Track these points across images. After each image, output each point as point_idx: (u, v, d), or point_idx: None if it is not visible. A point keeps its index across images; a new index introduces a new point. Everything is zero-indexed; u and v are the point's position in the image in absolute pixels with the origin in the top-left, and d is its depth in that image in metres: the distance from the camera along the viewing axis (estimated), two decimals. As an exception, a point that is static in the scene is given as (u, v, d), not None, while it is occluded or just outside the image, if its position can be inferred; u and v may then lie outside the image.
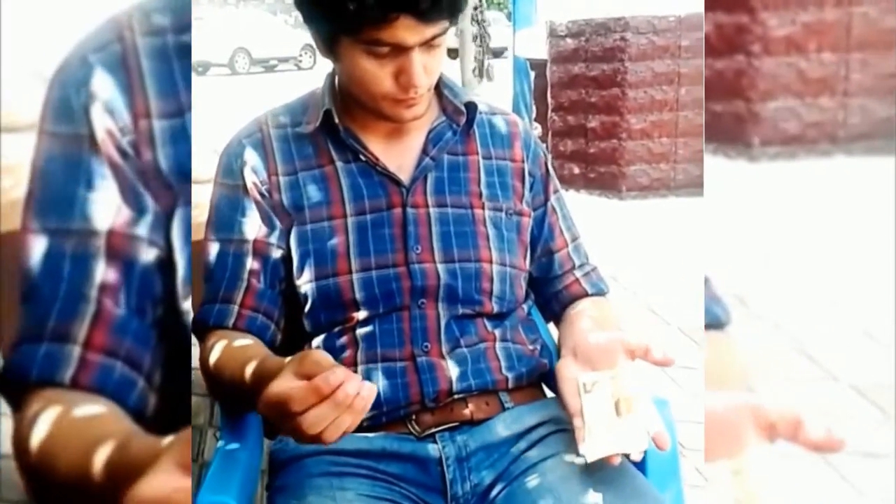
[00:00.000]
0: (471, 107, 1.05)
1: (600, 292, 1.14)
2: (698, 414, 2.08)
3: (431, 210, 1.01)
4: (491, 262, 1.02)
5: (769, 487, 0.61)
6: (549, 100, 4.95)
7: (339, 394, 0.65)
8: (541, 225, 1.11)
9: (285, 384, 0.68)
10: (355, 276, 0.97)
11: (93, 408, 0.66)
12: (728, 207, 3.54)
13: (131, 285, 0.73)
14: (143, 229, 0.73)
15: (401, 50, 0.90)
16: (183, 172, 0.75)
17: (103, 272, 0.71)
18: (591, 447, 0.84)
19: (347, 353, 0.98)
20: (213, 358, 0.90)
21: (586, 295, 1.13)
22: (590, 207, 4.39)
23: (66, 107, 0.71)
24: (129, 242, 0.72)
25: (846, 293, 2.84)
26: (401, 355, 0.97)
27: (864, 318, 2.62)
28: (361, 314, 0.98)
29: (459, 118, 1.05)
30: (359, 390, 0.65)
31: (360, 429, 0.93)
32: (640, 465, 0.95)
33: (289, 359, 0.72)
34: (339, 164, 1.02)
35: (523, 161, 1.09)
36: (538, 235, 1.11)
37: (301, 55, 18.64)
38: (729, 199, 3.70)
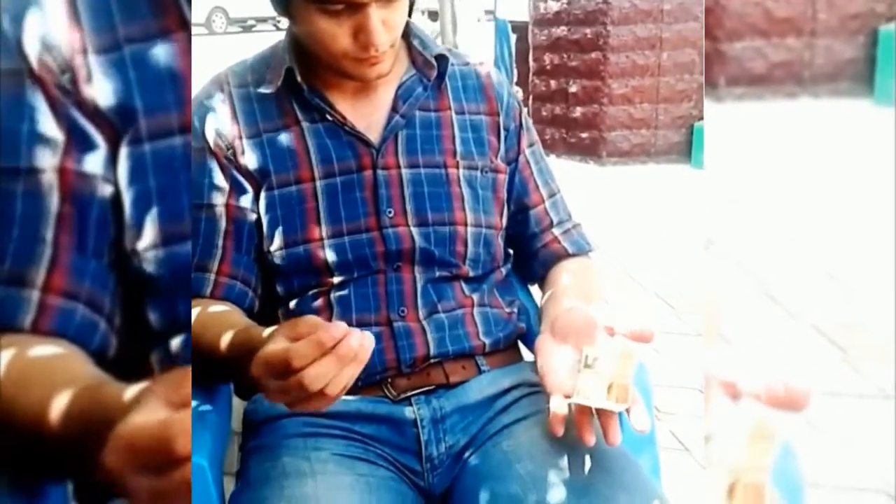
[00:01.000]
0: (441, 59, 1.01)
1: (582, 251, 1.10)
2: (674, 378, 2.10)
3: (403, 171, 0.98)
4: (466, 224, 0.99)
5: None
6: (531, 63, 4.91)
7: (343, 347, 0.63)
8: (514, 179, 1.07)
9: (282, 345, 0.65)
10: (327, 243, 0.95)
11: (53, 349, 0.64)
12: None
13: (88, 225, 0.70)
14: (94, 166, 0.70)
15: (356, 6, 0.85)
16: (125, 109, 0.71)
17: (57, 211, 0.68)
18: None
19: (322, 318, 0.95)
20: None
21: (567, 254, 1.09)
22: (570, 173, 4.38)
23: (2, 41, 0.68)
24: (82, 180, 0.70)
25: (808, 234, 2.87)
26: (376, 320, 0.95)
27: (826, 258, 2.65)
28: (335, 279, 0.96)
29: (430, 72, 1.01)
30: (361, 342, 0.64)
31: None
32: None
33: (269, 329, 0.70)
34: (304, 124, 0.97)
35: (497, 114, 1.05)
36: (511, 190, 1.07)
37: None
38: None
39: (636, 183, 4.29)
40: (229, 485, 0.90)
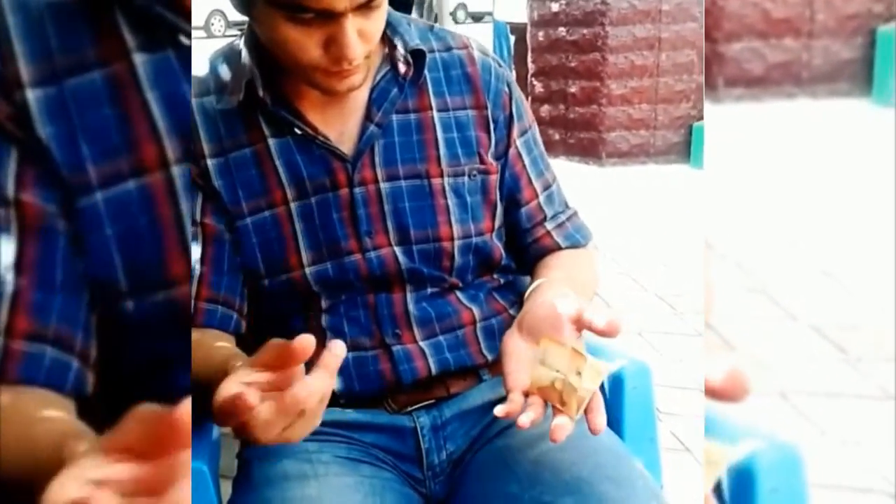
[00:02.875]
0: (418, 56, 0.90)
1: (575, 244, 1.02)
2: (675, 379, 2.10)
3: (382, 185, 0.89)
4: (452, 238, 0.92)
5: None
6: (530, 64, 4.91)
7: (291, 400, 0.59)
8: (504, 176, 0.97)
9: (234, 387, 0.60)
10: (308, 271, 0.88)
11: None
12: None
13: (53, 258, 0.65)
14: (53, 205, 0.66)
15: (330, 15, 0.75)
16: (74, 159, 0.66)
17: (18, 248, 0.63)
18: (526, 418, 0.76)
19: (315, 346, 0.92)
20: None
21: (559, 248, 1.01)
22: (569, 174, 4.38)
23: None
24: (41, 213, 0.65)
25: (806, 234, 2.86)
26: (371, 343, 0.91)
27: (825, 258, 2.64)
28: (323, 303, 0.91)
29: (406, 71, 0.90)
30: (322, 394, 0.61)
31: (332, 402, 0.91)
32: (617, 429, 0.94)
33: (239, 363, 0.66)
34: (271, 140, 0.88)
35: (486, 106, 0.94)
36: (503, 188, 0.97)
37: (278, 18, 18.28)
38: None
39: (635, 183, 4.28)
40: (226, 487, 0.90)
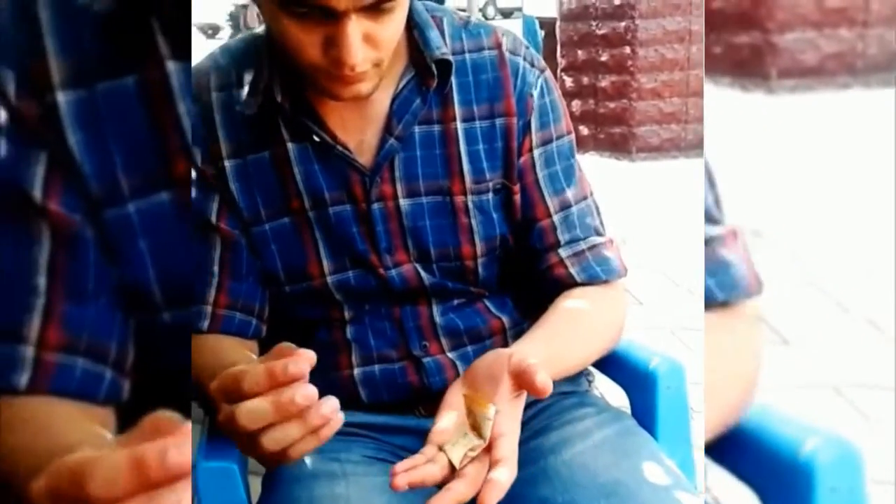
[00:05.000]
0: (443, 67, 0.83)
1: (592, 279, 0.88)
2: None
3: (402, 202, 0.84)
4: (476, 256, 0.87)
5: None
6: (559, 59, 4.87)
7: (312, 416, 0.56)
8: (519, 185, 0.88)
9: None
10: (330, 279, 0.86)
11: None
12: (745, 140, 3.47)
13: (84, 267, 0.64)
14: (79, 215, 0.64)
15: (329, 13, 0.69)
16: (104, 168, 0.63)
17: (49, 257, 0.62)
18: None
19: (341, 356, 0.90)
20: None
21: (574, 283, 0.88)
22: (599, 169, 4.33)
23: None
24: (70, 221, 0.64)
25: (860, 225, 2.81)
26: (398, 355, 0.89)
27: (878, 250, 2.59)
28: (347, 313, 0.88)
29: (430, 81, 0.83)
30: (331, 414, 0.56)
31: (360, 407, 0.89)
32: (650, 429, 0.92)
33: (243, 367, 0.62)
34: (290, 145, 0.83)
35: (517, 115, 0.87)
36: (520, 201, 0.89)
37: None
38: (746, 132, 3.63)
39: (667, 178, 4.23)
40: (255, 483, 0.90)
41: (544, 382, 0.66)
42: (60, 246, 0.63)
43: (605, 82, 4.61)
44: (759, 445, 0.73)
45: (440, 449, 0.69)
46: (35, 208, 0.62)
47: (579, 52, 4.72)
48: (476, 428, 0.69)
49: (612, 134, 4.64)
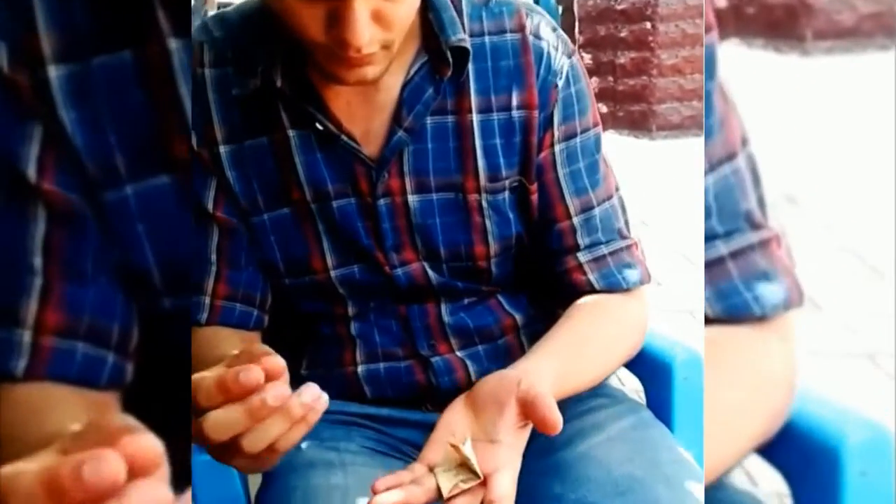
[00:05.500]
0: (459, 55, 0.75)
1: (613, 287, 0.82)
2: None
3: (410, 198, 0.79)
4: (488, 257, 0.82)
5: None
6: (577, 35, 4.79)
7: (293, 407, 0.51)
8: (537, 182, 0.81)
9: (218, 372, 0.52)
10: (333, 273, 0.81)
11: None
12: (779, 103, 3.37)
13: (82, 246, 0.61)
14: (77, 195, 0.61)
15: None
16: (100, 148, 0.60)
17: (45, 235, 0.59)
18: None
19: (345, 352, 0.86)
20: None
21: (592, 290, 0.82)
22: (618, 148, 4.27)
23: None
24: (68, 199, 0.60)
25: None
26: (404, 354, 0.85)
27: None
28: (351, 309, 0.84)
29: (444, 69, 0.76)
30: (314, 401, 0.52)
31: (364, 401, 0.85)
32: (666, 422, 0.88)
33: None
34: (291, 132, 0.77)
35: (538, 107, 0.79)
36: (537, 196, 0.82)
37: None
38: (780, 95, 3.52)
39: (688, 156, 4.16)
40: (254, 476, 0.88)
41: (555, 421, 0.60)
42: (57, 225, 0.59)
43: (624, 59, 4.52)
44: (786, 427, 0.67)
45: (430, 470, 0.63)
46: (29, 186, 0.58)
47: (598, 27, 4.64)
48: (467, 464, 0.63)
49: (632, 112, 4.56)
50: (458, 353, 0.85)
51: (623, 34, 4.51)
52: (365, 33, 0.63)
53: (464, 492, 0.62)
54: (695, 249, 2.83)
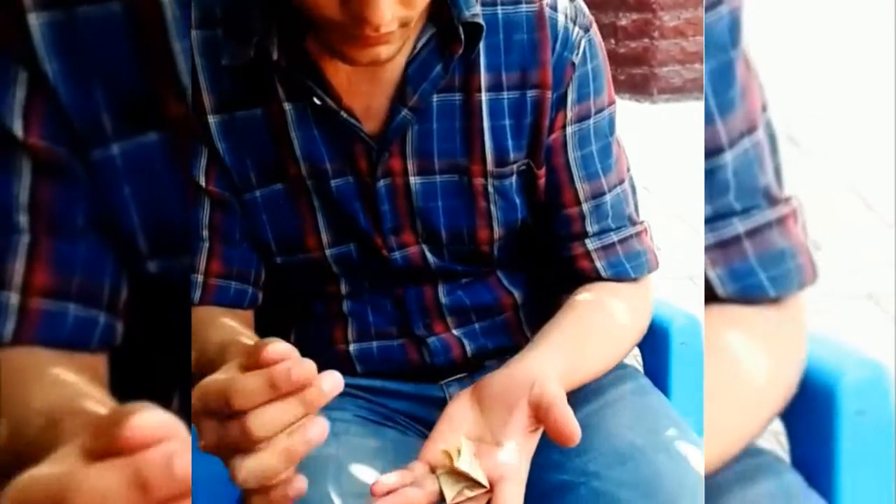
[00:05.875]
0: (472, 31, 0.71)
1: (621, 276, 0.80)
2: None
3: (412, 179, 0.75)
4: (492, 240, 0.79)
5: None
6: (578, -3, 4.72)
7: (310, 391, 0.48)
8: (545, 166, 0.78)
9: (230, 374, 0.48)
10: (329, 252, 0.78)
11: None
12: (777, 38, 3.29)
13: (71, 202, 0.59)
14: (65, 149, 0.58)
15: None
16: (85, 102, 0.57)
17: (28, 190, 0.56)
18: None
19: (336, 330, 0.84)
20: None
21: (598, 278, 0.80)
22: (619, 112, 4.22)
23: None
24: (54, 152, 0.58)
25: None
26: (398, 332, 0.84)
27: None
28: (344, 287, 0.82)
29: (455, 46, 0.71)
30: (331, 387, 0.49)
31: (355, 374, 0.85)
32: (663, 389, 0.88)
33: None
34: (286, 105, 0.73)
35: (552, 86, 0.74)
36: (544, 182, 0.79)
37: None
38: (777, 30, 3.44)
39: (690, 120, 4.11)
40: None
41: (573, 431, 0.57)
42: (44, 179, 0.57)
43: (625, 21, 4.45)
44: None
45: (432, 470, 0.60)
46: (13, 139, 0.56)
47: (599, -11, 4.56)
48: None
49: (633, 75, 4.50)
50: (455, 332, 0.84)
51: (624, -5, 4.44)
52: (387, 11, 0.58)
53: (469, 499, 0.59)
54: (694, 214, 2.82)
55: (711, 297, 0.60)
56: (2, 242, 0.56)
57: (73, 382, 0.55)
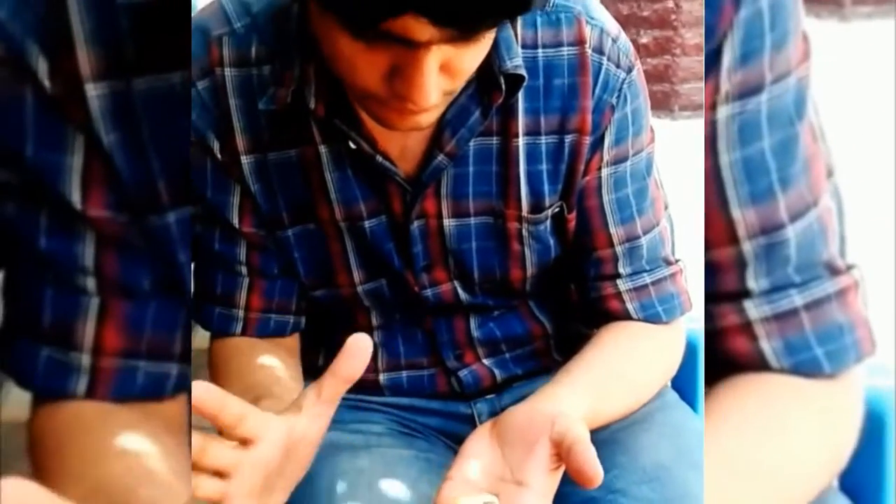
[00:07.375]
0: (513, 82, 0.69)
1: (653, 319, 0.78)
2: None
3: (446, 221, 0.74)
4: (525, 279, 0.79)
5: None
6: (599, 14, 4.74)
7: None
8: (577, 207, 0.76)
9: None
10: (360, 289, 0.79)
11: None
12: (817, 69, 3.31)
13: (136, 264, 0.58)
14: (124, 217, 0.57)
15: (407, 42, 0.54)
16: (141, 174, 0.55)
17: (96, 255, 0.56)
18: None
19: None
20: (217, 374, 0.78)
21: (629, 318, 0.78)
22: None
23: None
24: (114, 221, 0.57)
25: None
26: (428, 363, 0.85)
27: None
28: (375, 319, 0.83)
29: (495, 95, 0.69)
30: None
31: (381, 394, 0.86)
32: (690, 403, 0.87)
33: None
34: (322, 147, 0.72)
35: (590, 132, 0.73)
36: (575, 221, 0.77)
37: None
38: (818, 61, 3.45)
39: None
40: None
41: (595, 474, 0.53)
42: (108, 246, 0.57)
43: (646, 38, 4.46)
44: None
45: None
46: (73, 211, 0.56)
47: (620, 6, 4.57)
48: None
49: (654, 92, 4.50)
50: (485, 362, 0.85)
51: (646, 13, 4.44)
52: (433, 92, 0.56)
53: None
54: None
55: (763, 367, 0.56)
56: (72, 305, 0.56)
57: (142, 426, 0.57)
